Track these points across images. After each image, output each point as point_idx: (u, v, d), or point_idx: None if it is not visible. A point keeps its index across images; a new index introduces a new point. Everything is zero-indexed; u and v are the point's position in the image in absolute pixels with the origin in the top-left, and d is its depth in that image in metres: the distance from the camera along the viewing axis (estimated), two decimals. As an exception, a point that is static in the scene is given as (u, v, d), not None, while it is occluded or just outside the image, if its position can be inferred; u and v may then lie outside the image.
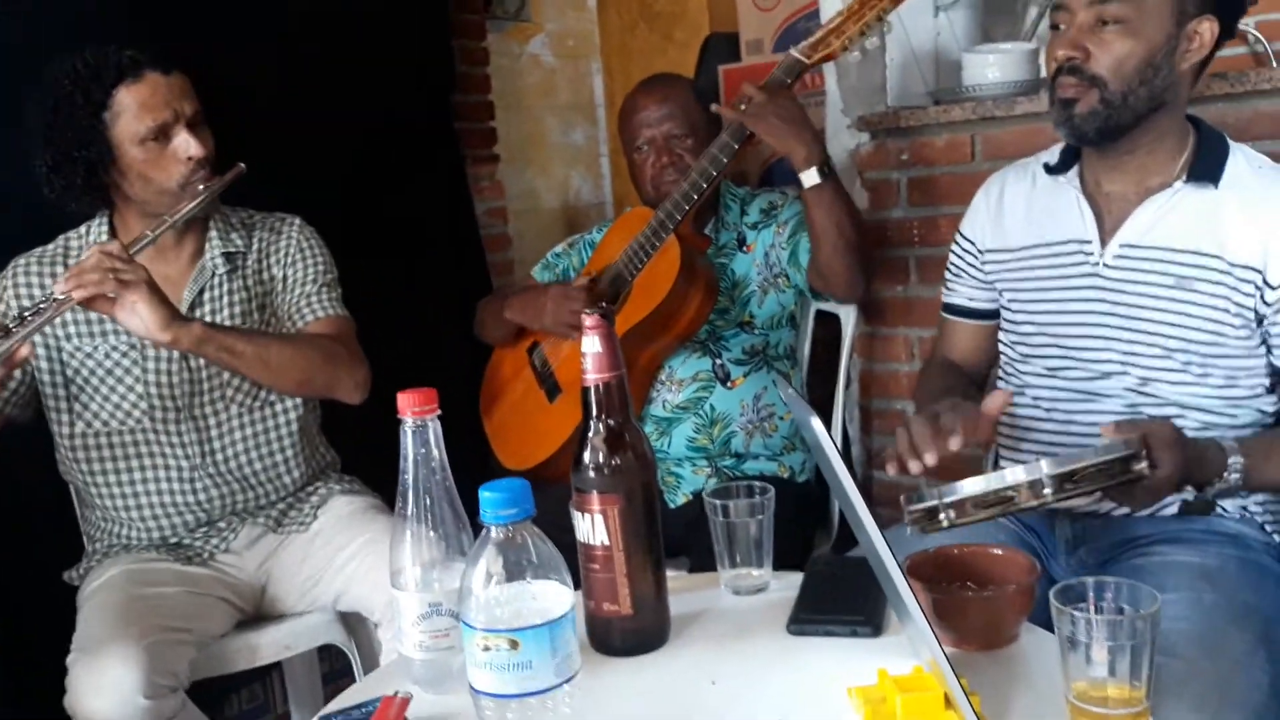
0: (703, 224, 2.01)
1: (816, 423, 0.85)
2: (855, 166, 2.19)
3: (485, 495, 0.85)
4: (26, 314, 1.39)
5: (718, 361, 1.94)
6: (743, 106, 1.77)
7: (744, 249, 1.99)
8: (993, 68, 2.04)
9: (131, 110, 1.59)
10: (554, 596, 0.85)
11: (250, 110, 1.97)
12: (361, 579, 1.63)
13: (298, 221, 1.83)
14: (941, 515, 1.09)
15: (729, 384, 1.93)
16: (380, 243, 2.41)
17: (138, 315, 1.45)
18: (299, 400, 1.76)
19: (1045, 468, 1.09)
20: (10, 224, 1.77)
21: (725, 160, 1.81)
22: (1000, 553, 1.10)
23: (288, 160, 2.04)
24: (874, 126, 2.14)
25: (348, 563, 1.66)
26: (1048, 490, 1.08)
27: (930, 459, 1.22)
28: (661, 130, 1.96)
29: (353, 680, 1.78)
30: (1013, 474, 1.09)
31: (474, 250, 2.78)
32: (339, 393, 1.72)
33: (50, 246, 1.71)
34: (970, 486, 1.09)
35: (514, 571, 0.85)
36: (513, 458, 2.06)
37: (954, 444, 1.23)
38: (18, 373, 1.56)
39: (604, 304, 1.08)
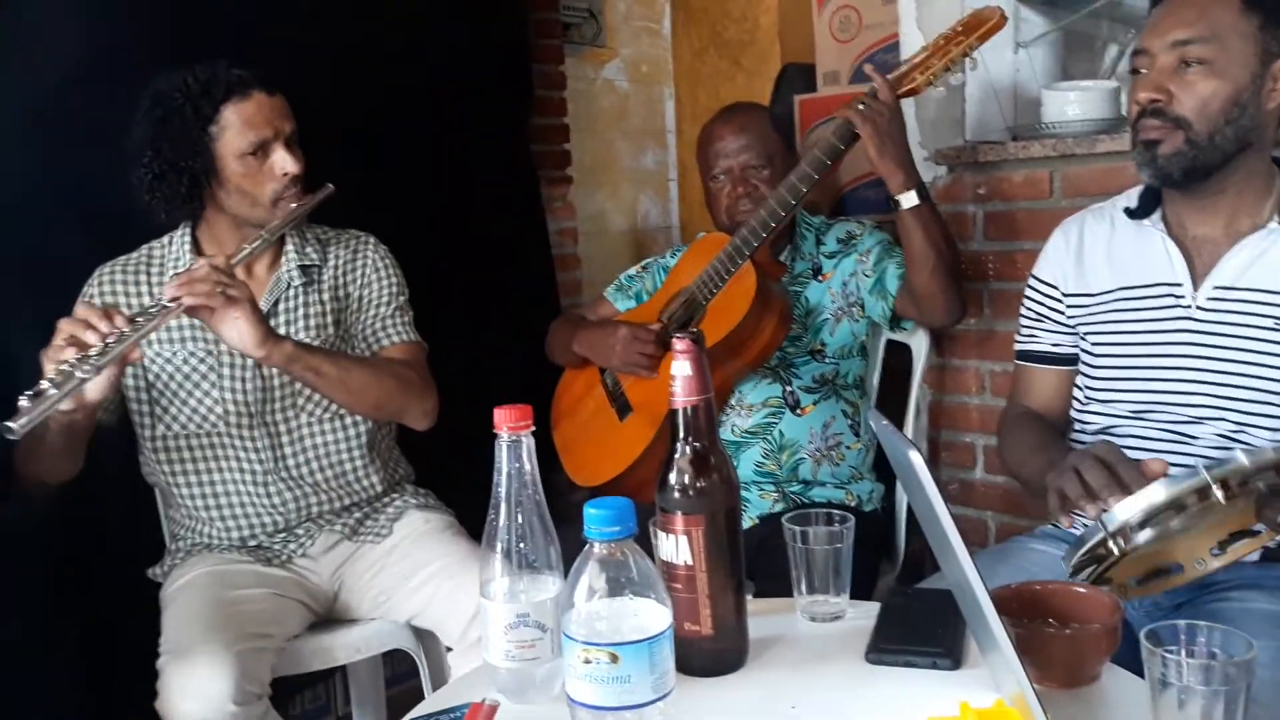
0: (778, 251, 2.03)
1: (915, 456, 0.87)
2: (933, 199, 2.19)
3: (590, 512, 0.88)
4: (138, 318, 1.45)
5: (788, 388, 1.95)
6: (860, 106, 1.77)
7: (819, 278, 2.00)
8: (1073, 105, 2.04)
9: (236, 126, 1.65)
10: (653, 614, 0.88)
11: (337, 131, 2.03)
12: (439, 602, 1.66)
13: (372, 240, 1.88)
14: (1111, 544, 1.08)
15: (798, 411, 1.94)
16: (455, 260, 2.46)
17: (237, 330, 1.51)
18: None
19: (1210, 470, 1.06)
20: (88, 232, 1.82)
21: (804, 189, 1.83)
22: (1083, 591, 1.10)
23: (370, 178, 2.09)
24: (951, 160, 2.15)
25: (425, 584, 1.68)
26: (1218, 492, 1.06)
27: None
28: (739, 160, 1.98)
29: (416, 685, 1.83)
30: (1156, 491, 1.07)
31: (545, 269, 2.82)
32: (407, 419, 1.78)
33: (134, 255, 1.77)
34: (1125, 510, 1.08)
35: (615, 587, 0.88)
36: (581, 473, 2.09)
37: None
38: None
39: (695, 329, 1.10)
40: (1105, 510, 1.12)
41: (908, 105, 2.22)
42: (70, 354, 1.38)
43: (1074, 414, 1.59)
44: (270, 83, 1.69)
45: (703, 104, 4.13)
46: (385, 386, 1.71)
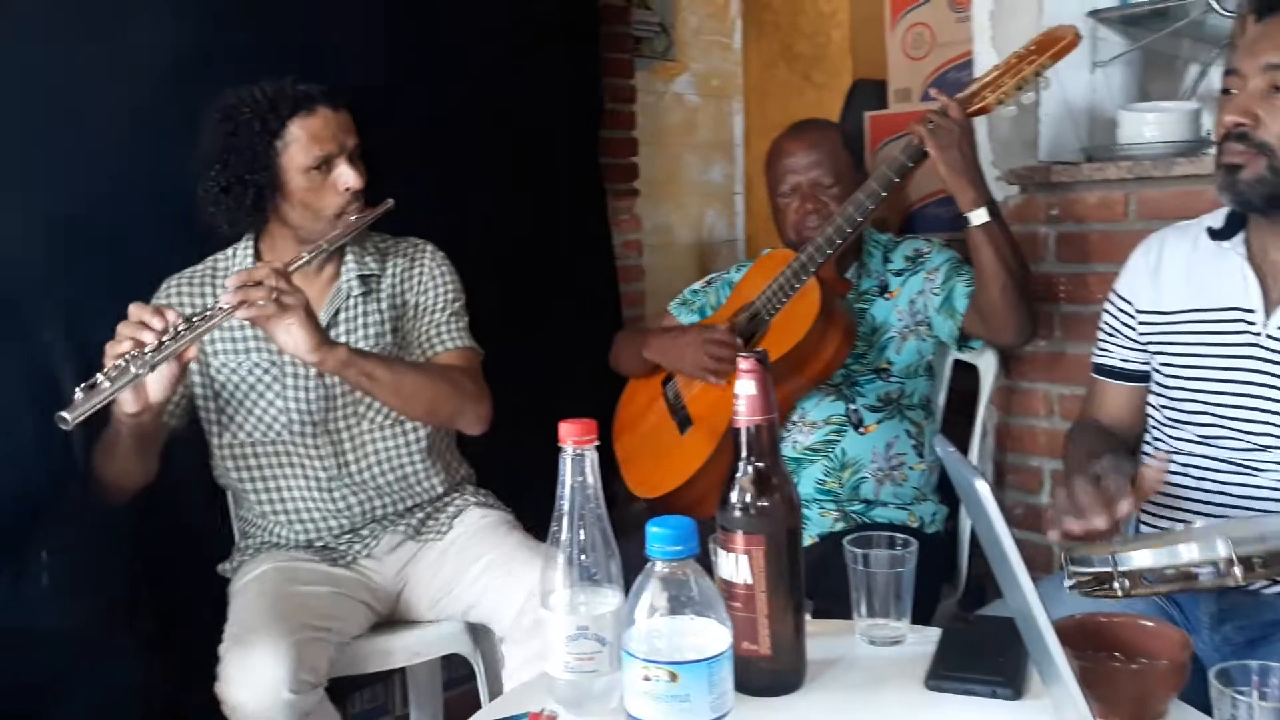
0: (844, 268, 2.02)
1: (981, 485, 0.86)
2: (1005, 218, 2.17)
3: (653, 531, 0.88)
4: (194, 319, 1.48)
5: (851, 406, 1.94)
6: (929, 124, 1.76)
7: (886, 295, 1.99)
8: (1151, 126, 2.00)
9: (301, 141, 1.69)
10: (713, 634, 0.88)
11: (407, 142, 2.06)
12: (492, 593, 1.68)
13: (429, 247, 1.90)
14: (1115, 584, 1.07)
15: (861, 429, 1.93)
16: (521, 269, 2.49)
17: (292, 336, 1.54)
18: None
19: (1235, 547, 1.05)
20: (155, 243, 1.87)
21: (872, 206, 1.82)
22: (1151, 625, 1.08)
23: (439, 189, 2.13)
24: (1024, 180, 2.12)
25: (481, 575, 1.71)
26: (1238, 570, 1.05)
27: (1101, 522, 1.20)
28: (808, 177, 1.97)
29: (472, 688, 1.85)
30: (1190, 550, 1.06)
31: (609, 281, 2.84)
32: (460, 424, 1.80)
33: (199, 267, 1.81)
34: (1145, 559, 1.07)
35: (676, 606, 0.88)
36: (641, 485, 2.10)
37: (1123, 508, 1.21)
38: (180, 386, 1.64)
39: (758, 349, 1.10)
40: (1121, 550, 1.11)
41: (980, 124, 2.20)
42: (123, 355, 1.42)
43: (1147, 437, 1.56)
44: (335, 98, 1.72)
45: (771, 118, 4.13)
46: (438, 391, 1.73)
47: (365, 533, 1.80)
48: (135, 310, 1.47)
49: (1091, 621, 1.09)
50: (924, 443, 1.97)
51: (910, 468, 1.94)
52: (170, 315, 1.46)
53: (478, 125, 2.39)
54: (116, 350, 1.43)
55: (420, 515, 1.84)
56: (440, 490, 1.86)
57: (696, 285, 2.26)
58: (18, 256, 1.61)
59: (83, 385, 1.38)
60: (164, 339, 1.43)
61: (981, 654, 1.11)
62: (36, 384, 1.81)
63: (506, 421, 1.84)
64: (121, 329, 1.45)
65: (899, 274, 2.00)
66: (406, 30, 2.27)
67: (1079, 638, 1.05)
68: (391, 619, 1.81)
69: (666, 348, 2.05)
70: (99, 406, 1.38)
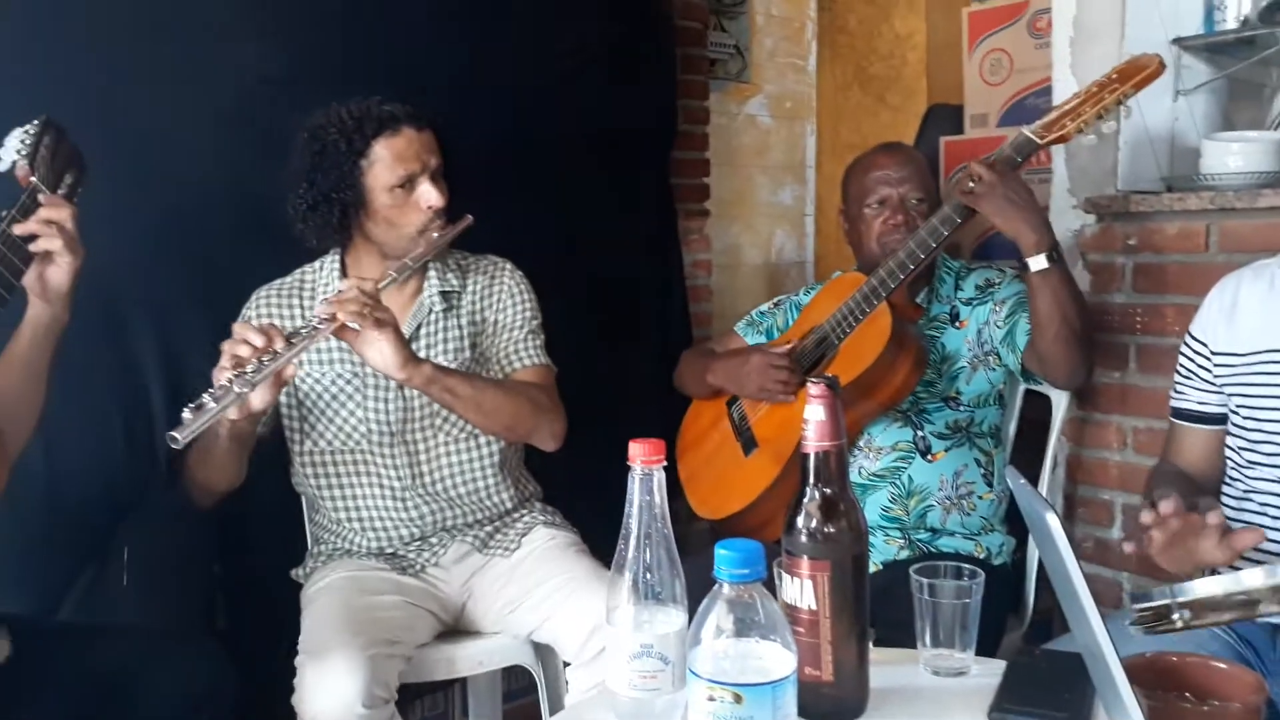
0: (915, 293, 2.01)
1: (1051, 518, 0.86)
2: (1078, 248, 2.14)
3: (720, 553, 0.89)
4: (292, 337, 1.53)
5: (919, 433, 1.93)
6: (971, 185, 1.77)
7: (956, 324, 1.97)
8: (1235, 156, 1.97)
9: (385, 160, 1.73)
10: (778, 658, 0.89)
11: (484, 161, 2.10)
12: (558, 617, 1.69)
13: (509, 266, 1.94)
14: (1175, 615, 1.05)
15: (929, 457, 1.91)
16: (591, 288, 2.52)
17: (381, 354, 1.58)
18: None
19: None
20: (244, 255, 1.94)
21: (945, 232, 1.81)
22: (1224, 667, 1.06)
23: (511, 206, 2.16)
24: (1102, 209, 2.10)
25: (548, 598, 1.72)
26: None
27: (1167, 506, 1.18)
28: (900, 190, 1.96)
29: (533, 701, 1.87)
30: (1254, 576, 1.04)
31: (678, 301, 2.85)
32: (536, 440, 1.83)
33: (288, 279, 1.86)
34: (1207, 587, 1.05)
35: (742, 628, 0.89)
36: (704, 506, 2.10)
37: (1212, 519, 1.19)
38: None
39: (829, 374, 1.11)
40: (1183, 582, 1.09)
41: (1057, 151, 2.19)
42: (229, 371, 1.47)
43: (1224, 477, 1.53)
44: (419, 118, 1.76)
45: (844, 140, 4.12)
46: (517, 408, 1.76)
47: (434, 540, 1.83)
48: (239, 329, 1.52)
49: (1162, 660, 1.07)
50: (993, 472, 1.95)
51: (979, 497, 1.92)
52: (274, 335, 1.51)
53: (551, 146, 2.43)
54: (221, 373, 1.48)
55: (489, 528, 1.87)
56: (509, 505, 1.89)
57: (764, 306, 2.26)
58: (111, 267, 1.67)
59: (190, 405, 1.43)
60: (264, 358, 1.48)
61: (1047, 688, 1.10)
62: (125, 390, 1.89)
63: (572, 439, 1.86)
64: (225, 347, 1.51)
65: (969, 303, 1.98)
66: (482, 52, 2.31)
67: (1149, 677, 1.04)
68: (456, 629, 1.84)
69: (730, 371, 2.05)
70: (207, 425, 1.44)
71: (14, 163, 1.44)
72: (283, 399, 1.80)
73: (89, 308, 1.57)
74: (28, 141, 1.44)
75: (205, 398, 1.44)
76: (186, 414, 1.42)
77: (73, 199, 1.49)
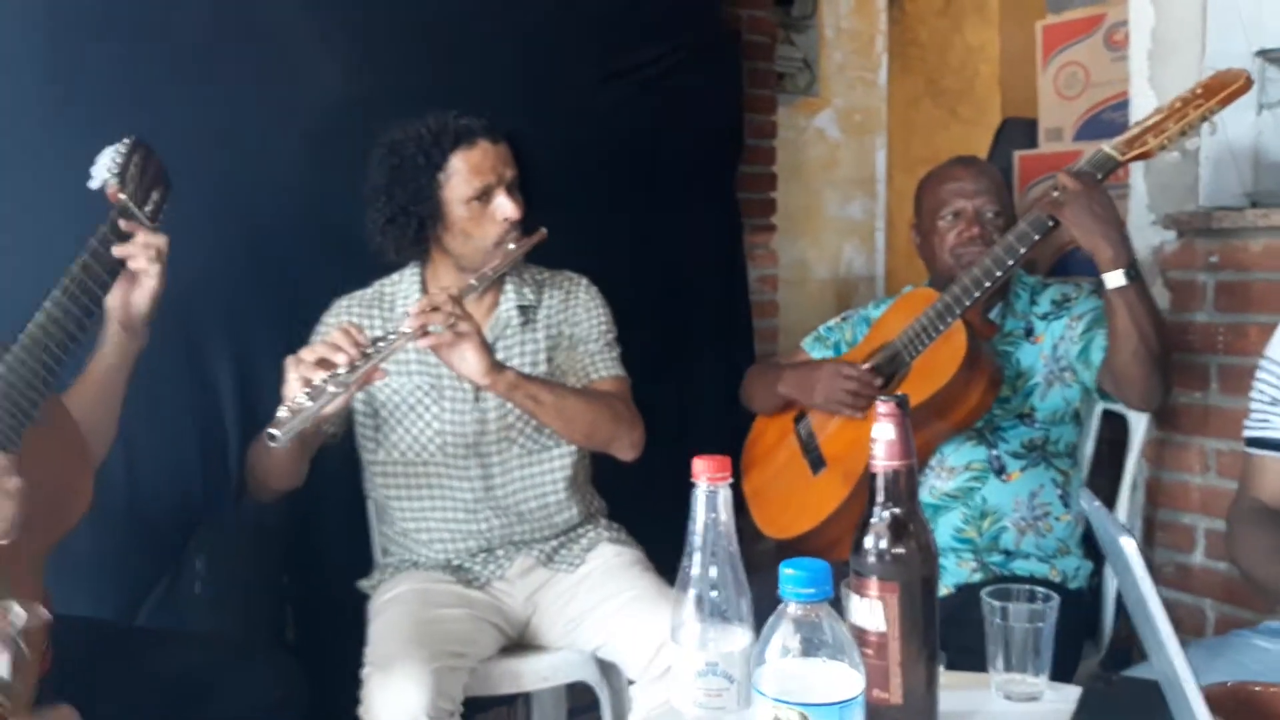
0: (988, 309, 1.97)
1: (1128, 542, 0.83)
2: (1158, 265, 2.09)
3: (786, 572, 0.88)
4: (380, 342, 1.57)
5: (993, 452, 1.89)
6: (1055, 194, 1.73)
7: (1031, 339, 1.94)
8: (1324, 171, 1.91)
9: (462, 173, 1.76)
10: (845, 678, 0.87)
11: (555, 174, 2.12)
12: (623, 635, 1.69)
13: (584, 281, 1.95)
14: None
15: (1004, 477, 1.87)
16: (656, 302, 2.52)
17: (466, 361, 1.61)
18: (573, 448, 1.87)
19: None
20: (323, 270, 1.98)
21: (1022, 249, 1.78)
22: (1311, 699, 1.02)
23: (581, 220, 2.18)
24: (1183, 226, 2.04)
25: (612, 615, 1.72)
26: None
27: None
28: (976, 203, 1.93)
29: (596, 717, 1.86)
30: None
31: (743, 316, 2.84)
32: (615, 448, 1.83)
33: (368, 291, 1.90)
34: None
35: (808, 648, 0.88)
36: (771, 525, 2.08)
37: None
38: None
39: (899, 393, 1.09)
40: None
41: (1136, 167, 2.14)
42: (322, 372, 1.51)
43: None
44: (495, 131, 1.79)
45: (915, 153, 4.08)
46: (597, 415, 1.77)
47: (500, 553, 1.84)
48: (336, 333, 1.56)
49: (1243, 690, 1.04)
50: (1070, 493, 1.90)
51: (1055, 519, 1.88)
52: (362, 339, 1.55)
53: (618, 159, 2.44)
54: (312, 373, 1.52)
55: (554, 543, 1.87)
56: (576, 520, 1.90)
57: (831, 321, 2.24)
58: (191, 284, 1.71)
59: (287, 404, 1.48)
60: (355, 363, 1.52)
61: (1123, 717, 1.07)
62: (202, 405, 1.94)
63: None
64: (319, 346, 1.55)
65: (1044, 318, 1.94)
66: (552, 69, 2.34)
67: (1230, 706, 1.00)
68: (521, 643, 1.84)
69: (801, 381, 2.03)
70: (303, 425, 1.48)
71: (105, 181, 1.49)
72: (360, 407, 1.83)
73: (170, 325, 1.62)
74: (118, 161, 1.50)
75: (302, 398, 1.48)
76: (283, 412, 1.47)
77: (158, 216, 1.54)
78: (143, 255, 1.48)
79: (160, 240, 1.50)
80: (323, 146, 2.00)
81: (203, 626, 1.86)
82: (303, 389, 1.50)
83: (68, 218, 1.54)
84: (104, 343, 1.53)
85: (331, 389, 1.49)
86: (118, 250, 1.47)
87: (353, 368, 1.52)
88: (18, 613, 0.61)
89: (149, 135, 1.56)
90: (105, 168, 1.50)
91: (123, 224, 1.48)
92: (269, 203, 1.97)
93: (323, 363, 1.52)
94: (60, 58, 1.79)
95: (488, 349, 1.63)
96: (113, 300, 1.50)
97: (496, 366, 1.64)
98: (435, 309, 1.59)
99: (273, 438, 1.45)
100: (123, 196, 1.49)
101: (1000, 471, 1.87)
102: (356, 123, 1.95)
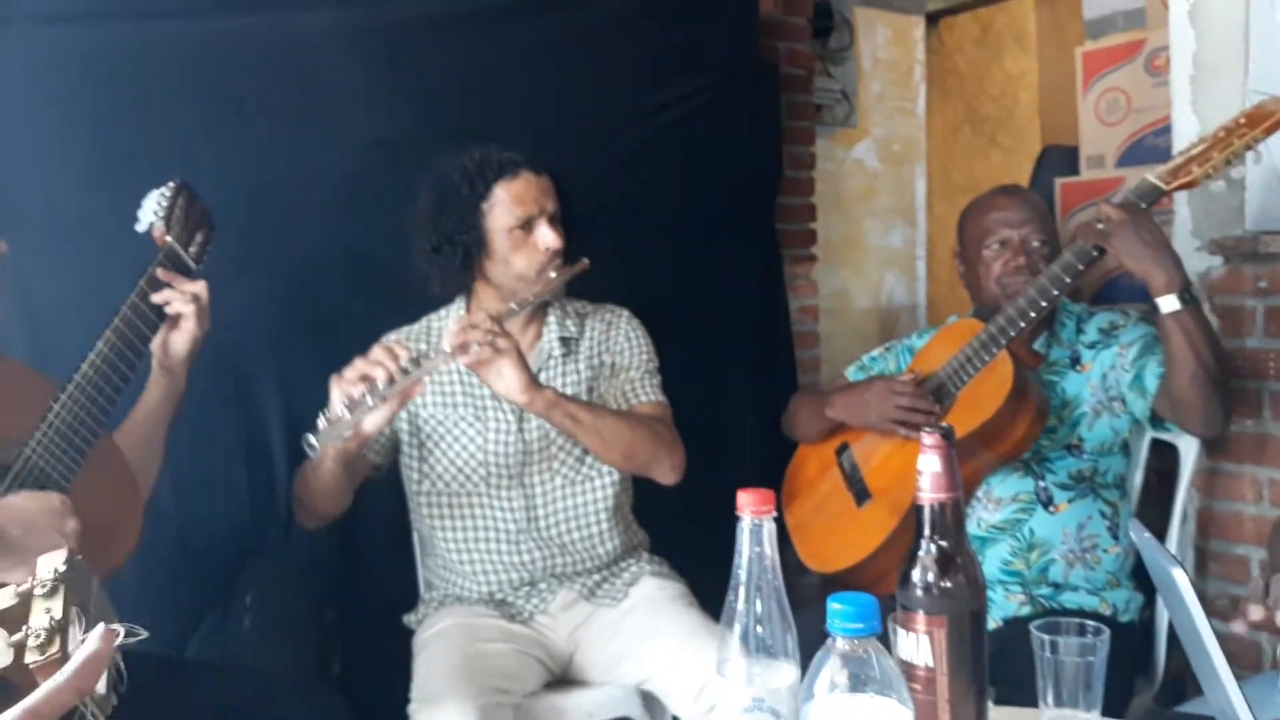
0: (1033, 338, 1.95)
1: (1179, 574, 0.82)
2: (1205, 290, 2.06)
3: (833, 607, 0.88)
4: (420, 359, 1.60)
5: (1040, 484, 1.86)
6: (1100, 225, 1.71)
7: (1078, 368, 1.91)
8: (1374, 195, 1.88)
9: (505, 203, 1.79)
10: (894, 714, 0.86)
11: (595, 208, 2.14)
12: (668, 670, 1.69)
13: (625, 313, 1.97)
14: None
15: (1051, 508, 1.85)
16: (695, 333, 2.52)
17: (504, 378, 1.63)
18: (616, 478, 1.87)
19: None
20: (367, 312, 2.01)
21: (1068, 279, 1.76)
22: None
23: (620, 251, 2.19)
24: (1229, 251, 2.02)
25: (658, 650, 1.72)
26: None
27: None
28: (1021, 232, 1.91)
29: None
30: None
31: (784, 347, 2.83)
32: (656, 471, 1.83)
33: (415, 325, 1.93)
34: None
35: (856, 683, 0.87)
36: (814, 558, 2.06)
37: None
38: (389, 423, 1.73)
39: (944, 424, 1.09)
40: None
41: (1180, 193, 2.11)
42: (361, 386, 1.54)
43: None
44: (537, 164, 1.82)
45: (955, 181, 4.07)
46: (637, 436, 1.78)
47: (543, 586, 1.85)
48: (376, 349, 1.59)
49: (1307, 729, 1.01)
50: (1119, 525, 1.87)
51: (1104, 550, 1.85)
52: (402, 354, 1.57)
53: (658, 192, 2.46)
54: (351, 388, 1.55)
55: (596, 577, 1.87)
56: (618, 553, 1.90)
57: (875, 351, 2.23)
58: (238, 323, 1.75)
59: (326, 416, 1.52)
60: (395, 376, 1.55)
61: (1181, 755, 1.04)
62: (250, 442, 1.97)
63: (679, 483, 1.86)
64: (359, 362, 1.58)
65: (1091, 346, 1.92)
66: (590, 102, 2.36)
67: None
68: (564, 678, 1.84)
69: (850, 403, 1.99)
70: (341, 434, 1.52)
71: (151, 224, 1.53)
72: (404, 435, 1.85)
73: (218, 362, 1.66)
74: (163, 204, 1.54)
75: (340, 409, 1.52)
76: (322, 423, 1.51)
77: (202, 258, 1.58)
78: (181, 301, 1.52)
79: (199, 287, 1.54)
80: (363, 186, 2.04)
81: (250, 660, 1.88)
82: (342, 402, 1.53)
83: (117, 260, 1.58)
84: (150, 383, 1.57)
85: (370, 402, 1.53)
86: (156, 297, 1.50)
87: (391, 381, 1.54)
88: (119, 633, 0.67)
89: (193, 179, 1.60)
90: (151, 210, 1.54)
91: (160, 273, 1.51)
92: (311, 242, 2.01)
93: (364, 378, 1.55)
94: (110, 105, 1.85)
95: (526, 366, 1.65)
96: (155, 343, 1.53)
97: (535, 384, 1.66)
98: (474, 327, 1.62)
99: (309, 445, 1.49)
100: (168, 239, 1.53)
101: (1048, 503, 1.85)
102: (396, 162, 1.99)
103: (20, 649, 0.66)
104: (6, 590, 0.69)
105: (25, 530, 1.22)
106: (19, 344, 1.76)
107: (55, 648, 0.66)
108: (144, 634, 0.68)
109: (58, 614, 0.67)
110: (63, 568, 0.70)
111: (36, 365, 1.53)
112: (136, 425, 1.57)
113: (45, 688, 0.64)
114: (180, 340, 1.55)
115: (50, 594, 0.68)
